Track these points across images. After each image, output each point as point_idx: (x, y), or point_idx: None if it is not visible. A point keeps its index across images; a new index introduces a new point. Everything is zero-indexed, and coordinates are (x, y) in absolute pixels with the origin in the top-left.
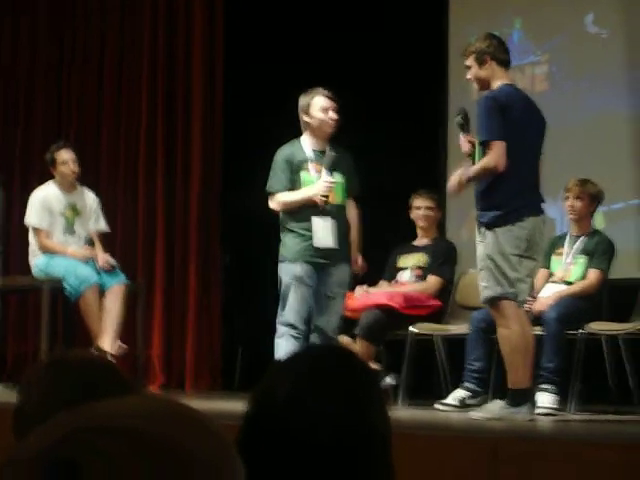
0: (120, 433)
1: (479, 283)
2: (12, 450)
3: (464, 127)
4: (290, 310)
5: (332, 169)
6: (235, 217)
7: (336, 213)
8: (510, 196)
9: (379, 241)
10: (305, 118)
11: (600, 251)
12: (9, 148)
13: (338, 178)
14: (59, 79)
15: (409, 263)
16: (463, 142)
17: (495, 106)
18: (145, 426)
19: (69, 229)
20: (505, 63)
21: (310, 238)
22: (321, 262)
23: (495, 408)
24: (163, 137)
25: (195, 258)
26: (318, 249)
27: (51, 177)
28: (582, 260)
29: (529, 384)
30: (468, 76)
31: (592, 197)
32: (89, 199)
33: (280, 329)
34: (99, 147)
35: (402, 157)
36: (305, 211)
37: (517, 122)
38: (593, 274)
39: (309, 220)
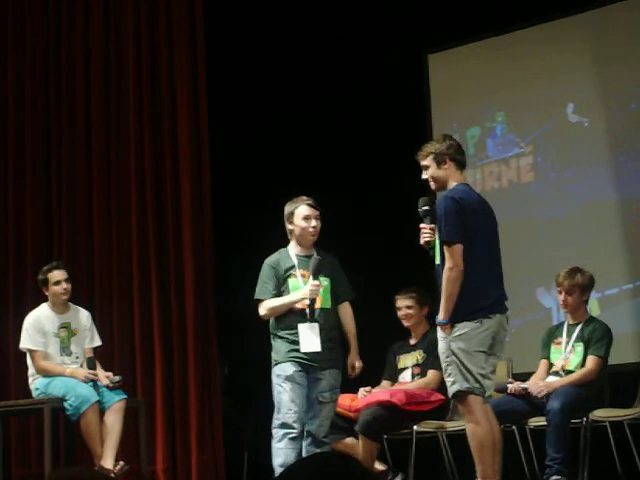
0: None
1: (445, 378)
2: None
3: (429, 216)
4: (285, 410)
5: (317, 273)
6: (231, 325)
7: (322, 317)
8: (475, 294)
9: (377, 342)
10: (289, 226)
11: (597, 338)
12: (1, 273)
13: (324, 282)
14: (49, 204)
15: (409, 362)
16: (426, 231)
17: (456, 207)
18: None
19: (65, 350)
20: (462, 164)
21: (298, 342)
22: (310, 364)
23: None
24: (155, 253)
25: (194, 370)
26: (306, 353)
27: (44, 300)
28: (580, 348)
29: (498, 479)
30: (424, 176)
31: (583, 288)
32: (83, 317)
33: (277, 433)
34: (92, 265)
35: (395, 255)
36: (292, 318)
37: (474, 222)
38: (591, 361)
39: (296, 327)
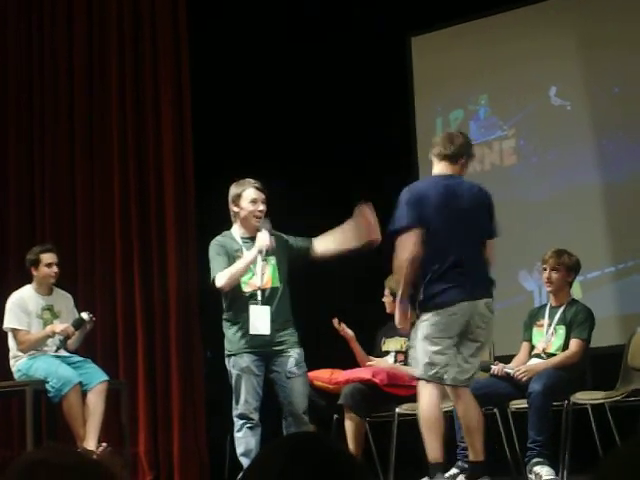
0: None
1: (414, 357)
2: None
3: None
4: (242, 402)
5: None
6: (215, 309)
7: (273, 298)
8: (436, 282)
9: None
10: (234, 209)
11: (579, 321)
12: None
13: (271, 260)
14: (32, 188)
15: (392, 347)
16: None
17: (407, 197)
18: None
19: None
20: (442, 156)
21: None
22: (266, 350)
23: None
24: (138, 235)
25: (176, 353)
26: (261, 338)
27: (28, 282)
28: (562, 331)
29: (442, 459)
30: None
31: (569, 268)
32: (66, 300)
33: (237, 423)
34: (75, 248)
35: None
36: (243, 301)
37: (429, 207)
38: (574, 344)
39: (247, 310)
